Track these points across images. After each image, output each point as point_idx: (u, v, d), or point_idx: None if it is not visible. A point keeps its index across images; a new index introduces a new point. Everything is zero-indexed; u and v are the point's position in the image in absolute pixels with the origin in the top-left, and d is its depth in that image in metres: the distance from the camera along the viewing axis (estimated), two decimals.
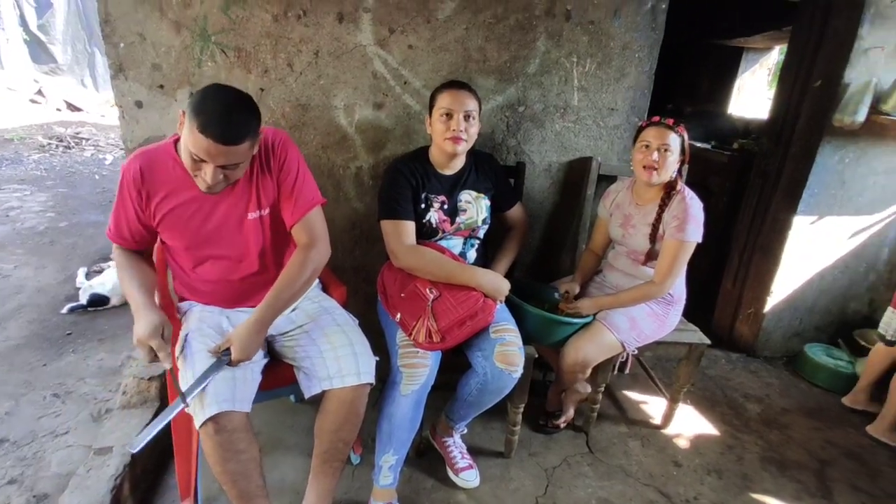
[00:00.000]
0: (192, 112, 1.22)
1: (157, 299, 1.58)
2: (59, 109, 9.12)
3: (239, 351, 1.34)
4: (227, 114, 1.23)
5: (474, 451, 1.95)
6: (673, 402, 2.16)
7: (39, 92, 9.26)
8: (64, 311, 2.73)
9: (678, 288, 1.93)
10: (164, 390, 1.88)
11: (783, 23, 3.37)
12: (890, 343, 2.15)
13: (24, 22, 9.26)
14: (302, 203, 1.47)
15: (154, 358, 1.27)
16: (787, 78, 2.58)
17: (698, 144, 3.76)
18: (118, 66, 1.88)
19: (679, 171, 1.83)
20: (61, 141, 6.93)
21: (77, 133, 7.46)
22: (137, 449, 1.19)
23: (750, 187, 2.79)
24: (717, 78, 4.61)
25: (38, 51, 9.48)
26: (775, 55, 4.39)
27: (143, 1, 1.81)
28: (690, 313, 2.10)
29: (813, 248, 2.58)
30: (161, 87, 1.91)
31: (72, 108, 9.27)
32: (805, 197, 2.46)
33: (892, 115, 2.22)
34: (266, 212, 1.49)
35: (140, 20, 1.83)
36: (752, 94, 4.56)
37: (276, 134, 1.50)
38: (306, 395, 1.48)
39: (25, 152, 6.27)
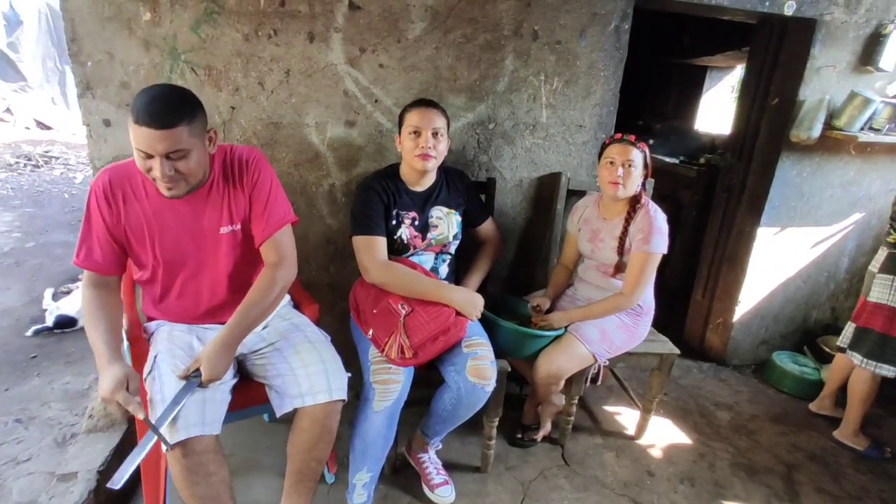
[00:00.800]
0: (130, 112, 1.25)
1: (124, 323, 1.56)
2: (28, 128, 8.94)
3: (209, 371, 1.32)
4: (155, 101, 1.25)
5: (450, 467, 1.95)
6: (646, 412, 2.19)
7: (7, 110, 9.07)
8: (29, 333, 2.66)
9: (647, 299, 1.98)
10: (132, 416, 1.84)
11: (742, 43, 3.50)
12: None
13: None
14: (273, 221, 1.48)
15: (126, 412, 1.24)
16: (747, 95, 2.68)
17: (667, 159, 3.86)
18: (85, 85, 1.87)
19: (643, 184, 1.88)
20: (29, 160, 6.78)
21: (46, 152, 7.31)
22: (120, 485, 1.16)
23: (716, 201, 2.87)
24: (684, 95, 4.75)
25: (7, 68, 9.31)
26: (738, 73, 4.55)
27: (110, 20, 1.81)
28: (663, 325, 2.15)
29: (777, 259, 2.66)
30: (129, 105, 1.90)
31: (41, 126, 9.10)
32: (767, 209, 2.54)
33: (844, 131, 2.32)
34: (238, 227, 1.49)
35: (108, 38, 1.83)
36: (718, 110, 4.71)
37: (251, 152, 1.51)
38: (278, 414, 1.46)
39: None
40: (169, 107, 1.26)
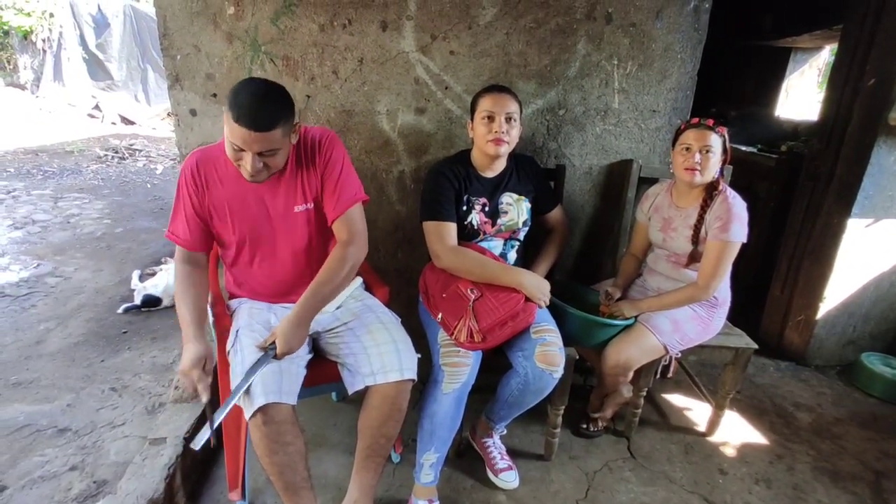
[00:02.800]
0: (227, 105, 1.30)
1: (209, 299, 1.66)
2: (114, 123, 9.62)
3: (283, 344, 1.37)
4: (257, 103, 1.29)
5: (514, 454, 1.95)
6: (718, 408, 2.11)
7: (97, 107, 9.79)
8: (120, 310, 2.88)
9: (723, 290, 1.89)
10: (215, 385, 1.95)
11: (833, 21, 3.27)
12: None
13: (83, 41, 9.80)
14: (344, 199, 1.51)
15: (194, 389, 1.36)
16: (838, 77, 2.49)
17: (743, 148, 3.67)
18: (175, 77, 1.98)
19: (721, 171, 1.80)
20: (116, 152, 7.30)
21: (131, 145, 7.85)
22: (199, 446, 1.24)
23: (799, 190, 2.70)
24: (764, 80, 4.48)
25: (96, 68, 10.00)
26: (825, 55, 4.25)
27: (198, 14, 1.91)
28: (736, 321, 2.06)
29: (868, 253, 2.48)
30: (214, 95, 2.00)
31: (126, 121, 9.75)
32: (859, 199, 2.37)
33: None
34: (311, 205, 1.54)
35: (196, 32, 1.93)
36: (802, 95, 4.41)
37: (324, 132, 1.55)
38: (350, 391, 1.51)
39: (84, 163, 6.63)
40: (269, 110, 1.30)
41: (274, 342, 1.39)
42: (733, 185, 1.92)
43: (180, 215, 1.51)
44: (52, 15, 9.50)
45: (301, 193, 1.53)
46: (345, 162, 1.55)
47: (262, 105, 1.30)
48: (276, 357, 1.38)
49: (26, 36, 9.64)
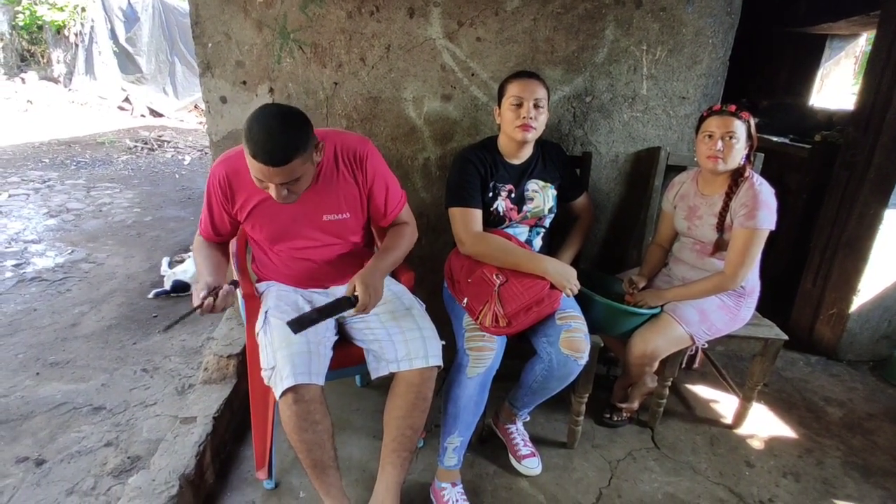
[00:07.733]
0: (244, 139, 1.27)
1: (235, 276, 1.70)
2: (143, 115, 9.83)
3: (363, 291, 1.38)
4: (272, 139, 1.25)
5: (536, 441, 1.95)
6: (745, 400, 2.07)
7: (126, 99, 10.01)
8: (150, 296, 2.95)
9: (751, 280, 1.86)
10: (242, 367, 1.99)
11: (870, 7, 3.16)
12: None
13: (113, 35, 10.02)
14: (392, 208, 1.63)
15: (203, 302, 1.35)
16: (877, 63, 2.41)
17: (775, 139, 3.59)
18: (206, 65, 2.01)
19: (748, 157, 1.76)
20: (146, 144, 7.46)
21: (159, 136, 8.02)
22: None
23: (834, 180, 2.63)
24: (797, 68, 4.35)
25: (126, 62, 10.21)
26: (862, 43, 4.11)
27: (228, 2, 1.93)
28: (764, 314, 2.02)
29: None
30: (244, 83, 2.03)
31: (154, 113, 9.96)
32: None
33: None
34: (347, 216, 1.57)
35: (226, 20, 1.96)
36: (837, 85, 4.28)
37: (360, 143, 1.56)
38: (373, 377, 1.53)
39: (115, 154, 6.80)
40: (284, 144, 1.26)
41: (354, 295, 1.40)
42: (763, 175, 1.88)
43: (211, 217, 1.57)
44: (83, 9, 9.72)
45: (335, 203, 1.54)
46: (385, 171, 1.61)
47: (277, 140, 1.26)
48: (354, 307, 1.39)
49: (59, 30, 9.88)
